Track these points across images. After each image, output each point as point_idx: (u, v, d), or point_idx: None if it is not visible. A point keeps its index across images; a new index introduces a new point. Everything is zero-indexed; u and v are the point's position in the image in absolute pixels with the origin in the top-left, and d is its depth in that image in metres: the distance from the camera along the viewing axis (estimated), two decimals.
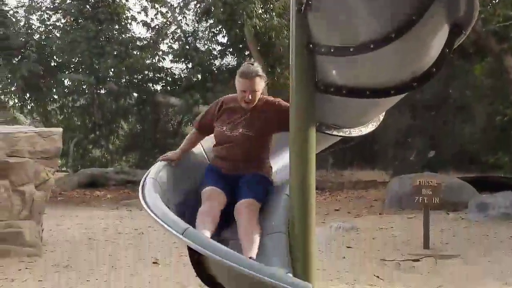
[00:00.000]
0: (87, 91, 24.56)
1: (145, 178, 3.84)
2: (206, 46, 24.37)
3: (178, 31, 24.95)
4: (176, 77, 24.99)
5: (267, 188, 4.07)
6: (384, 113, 4.27)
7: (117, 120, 25.99)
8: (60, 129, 10.60)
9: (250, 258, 3.51)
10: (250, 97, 3.96)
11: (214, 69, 24.36)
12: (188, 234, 3.29)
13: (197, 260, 3.47)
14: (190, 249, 3.40)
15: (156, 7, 24.54)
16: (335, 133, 3.93)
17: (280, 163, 4.46)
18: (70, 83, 23.88)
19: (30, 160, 9.62)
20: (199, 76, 23.63)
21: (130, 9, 24.47)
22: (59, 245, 10.69)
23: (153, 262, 9.14)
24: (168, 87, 25.07)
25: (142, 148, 25.63)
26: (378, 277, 7.90)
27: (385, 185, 18.77)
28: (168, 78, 25.07)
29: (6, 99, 24.14)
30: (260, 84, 3.99)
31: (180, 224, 3.38)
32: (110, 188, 22.02)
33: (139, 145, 25.98)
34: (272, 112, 4.02)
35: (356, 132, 4.07)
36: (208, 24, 24.19)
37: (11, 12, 22.95)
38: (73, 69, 23.91)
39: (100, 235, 12.12)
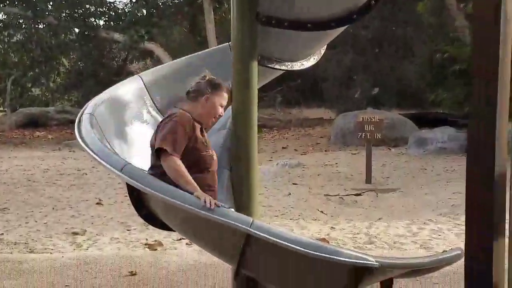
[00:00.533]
0: (24, 26, 23.58)
1: (82, 114, 3.69)
2: None
3: None
4: (120, 11, 24.25)
5: None
6: (325, 47, 4.22)
7: (58, 57, 25.13)
8: None
9: None
10: (221, 113, 3.53)
11: (160, 3, 23.72)
12: (126, 171, 3.21)
13: (137, 197, 3.41)
14: (128, 186, 3.33)
15: None
16: (277, 66, 3.87)
17: None
18: (5, 17, 22.86)
19: None
20: (144, 11, 22.99)
21: None
22: None
23: (97, 203, 9.04)
24: (112, 22, 24.28)
25: (85, 86, 24.93)
26: (322, 212, 8.05)
27: (331, 123, 19.00)
28: (111, 12, 24.30)
29: None
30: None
31: (118, 160, 3.28)
32: (52, 128, 21.52)
33: (82, 83, 25.28)
34: None
35: (298, 66, 4.02)
36: None
37: None
38: (8, 2, 22.83)
39: (41, 176, 11.89)
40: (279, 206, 8.45)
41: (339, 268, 3.06)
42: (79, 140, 3.51)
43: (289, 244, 2.98)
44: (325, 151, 15.26)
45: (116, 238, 6.79)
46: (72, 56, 26.12)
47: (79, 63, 26.43)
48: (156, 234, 6.85)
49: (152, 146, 3.39)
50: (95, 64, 25.33)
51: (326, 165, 12.69)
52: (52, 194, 9.82)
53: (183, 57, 4.47)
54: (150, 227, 7.06)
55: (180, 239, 6.57)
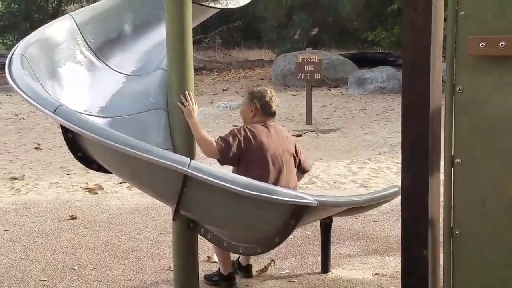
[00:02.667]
0: None
1: (12, 55, 3.56)
2: None
3: None
4: None
5: None
6: None
7: None
8: None
9: None
10: None
11: None
12: (60, 112, 3.14)
13: (72, 139, 3.34)
14: (63, 128, 3.26)
15: None
16: (211, 4, 3.81)
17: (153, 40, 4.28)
18: None
19: None
20: None
21: None
22: None
23: (35, 148, 8.87)
24: None
25: (19, 29, 23.98)
26: None
27: (271, 64, 18.98)
28: None
29: None
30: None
31: (52, 102, 3.20)
32: None
33: (17, 26, 24.31)
34: None
35: (233, 3, 3.97)
36: None
37: None
38: None
39: None
40: None
41: (278, 208, 3.11)
42: (10, 81, 3.41)
43: (226, 184, 3.00)
44: None
45: (55, 183, 6.71)
46: None
47: (13, 5, 25.34)
48: (97, 178, 6.80)
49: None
50: (29, 6, 24.35)
51: None
52: None
53: None
54: (90, 171, 7.00)
55: (121, 182, 6.55)
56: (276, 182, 3.44)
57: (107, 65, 4.02)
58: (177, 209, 3.14)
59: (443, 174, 2.14)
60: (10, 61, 3.54)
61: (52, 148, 8.84)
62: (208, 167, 3.16)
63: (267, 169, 3.46)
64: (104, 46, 4.07)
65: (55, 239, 4.67)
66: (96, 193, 6.21)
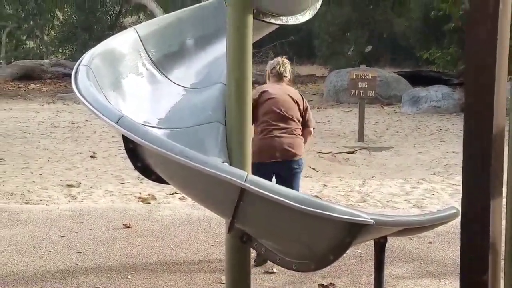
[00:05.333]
0: None
1: (78, 65, 3.66)
2: None
3: None
4: None
5: None
6: (320, 2, 4.19)
7: (52, 10, 24.82)
8: None
9: None
10: None
11: None
12: (122, 123, 3.21)
13: (132, 150, 3.42)
14: (124, 138, 3.34)
15: None
16: (272, 21, 3.83)
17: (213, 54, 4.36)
18: None
19: None
20: None
21: None
22: None
23: (91, 156, 9.06)
24: None
25: (79, 40, 24.73)
26: (314, 169, 8.09)
27: (324, 80, 18.93)
28: None
29: None
30: None
31: (114, 112, 3.27)
32: (46, 81, 21.37)
33: (76, 37, 25.06)
34: None
35: (293, 20, 3.99)
36: None
37: None
38: None
39: (35, 128, 11.88)
40: None
41: (334, 225, 3.09)
42: (76, 91, 3.50)
43: (283, 199, 3.00)
44: (317, 108, 15.25)
45: (110, 191, 6.85)
46: (66, 9, 25.75)
47: (73, 16, 26.12)
48: (150, 188, 6.91)
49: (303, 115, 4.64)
50: (88, 18, 25.03)
51: (318, 122, 12.71)
52: (47, 146, 9.83)
53: (177, 11, 4.44)
54: (144, 181, 7.20)
55: (173, 193, 6.63)
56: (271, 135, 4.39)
57: (167, 77, 4.10)
58: (232, 222, 3.16)
59: (505, 198, 2.09)
60: (76, 72, 3.64)
61: (107, 157, 9.02)
62: (265, 181, 3.17)
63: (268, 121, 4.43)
64: (165, 59, 4.16)
65: (109, 247, 4.77)
66: (149, 203, 6.31)
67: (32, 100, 17.30)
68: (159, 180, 3.56)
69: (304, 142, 4.61)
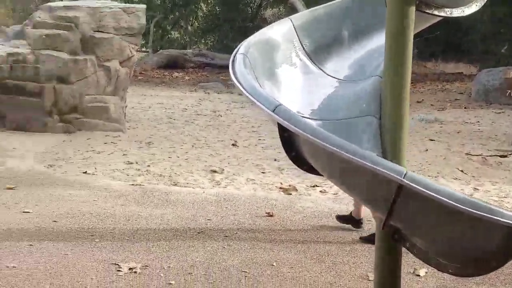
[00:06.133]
0: None
1: (235, 54, 3.73)
2: None
3: None
4: None
5: None
6: None
7: (197, 1, 25.77)
8: (144, 6, 10.55)
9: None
10: None
11: None
12: (279, 111, 3.21)
13: (287, 138, 3.42)
14: (279, 127, 3.34)
15: None
16: (435, 12, 3.66)
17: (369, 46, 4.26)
18: None
19: (116, 36, 9.73)
20: None
21: None
22: (141, 122, 10.99)
23: (232, 144, 9.28)
24: None
25: (221, 31, 25.49)
26: (462, 171, 7.71)
27: (472, 78, 18.04)
28: None
29: None
30: None
31: (271, 100, 3.29)
32: (188, 70, 22.23)
33: (218, 28, 25.83)
34: None
35: (458, 12, 3.77)
36: None
37: None
38: None
39: (179, 115, 12.38)
40: (415, 161, 8.19)
41: (495, 229, 2.90)
42: (234, 79, 3.56)
43: (444, 199, 2.86)
44: (465, 108, 14.53)
45: (252, 179, 6.95)
46: (209, 1, 26.63)
47: (216, 8, 26.93)
48: (290, 179, 6.94)
49: None
50: (231, 10, 25.68)
51: (466, 122, 12.13)
52: (191, 133, 10.20)
53: (332, 1, 4.39)
54: (284, 171, 7.25)
55: (314, 185, 6.61)
56: None
57: (321, 69, 4.07)
58: (387, 219, 3.07)
59: None
60: (233, 60, 3.71)
61: (247, 146, 9.18)
62: (424, 178, 3.03)
63: None
64: (319, 50, 4.13)
65: (253, 233, 4.84)
66: (290, 194, 6.32)
67: (176, 88, 18.06)
68: (311, 170, 3.53)
69: None
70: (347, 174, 3.23)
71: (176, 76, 20.95)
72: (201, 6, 26.63)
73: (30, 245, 4.33)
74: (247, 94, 3.38)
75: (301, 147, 3.40)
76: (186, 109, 13.39)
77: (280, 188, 6.56)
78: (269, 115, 3.27)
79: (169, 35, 26.93)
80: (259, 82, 3.67)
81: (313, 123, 3.60)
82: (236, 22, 25.45)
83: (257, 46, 3.92)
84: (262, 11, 27.17)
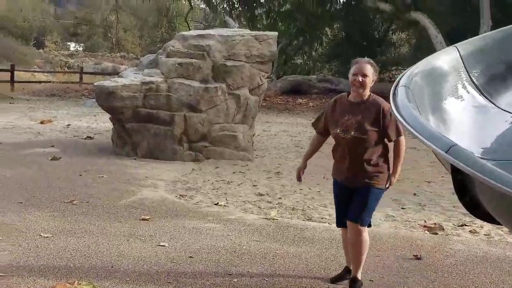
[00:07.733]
0: None
1: (396, 86, 3.39)
2: None
3: None
4: None
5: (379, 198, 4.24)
6: None
7: (322, 26, 25.63)
8: (275, 33, 10.39)
9: (354, 278, 4.10)
10: (360, 80, 3.98)
11: None
12: (454, 152, 2.82)
13: (460, 182, 3.01)
14: (453, 168, 2.94)
15: None
16: None
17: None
18: None
19: (246, 64, 9.66)
20: None
21: None
22: (268, 151, 10.84)
23: None
24: None
25: (345, 56, 25.12)
26: None
27: None
28: None
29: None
30: (370, 71, 4.02)
31: (444, 139, 2.90)
32: (312, 96, 22.05)
33: (343, 52, 25.50)
34: (374, 112, 4.03)
35: None
36: None
37: None
38: None
39: (306, 143, 12.09)
40: None
41: None
42: (396, 114, 3.20)
43: None
44: None
45: (391, 216, 6.50)
46: (335, 26, 26.39)
47: (342, 32, 26.61)
48: (434, 216, 6.42)
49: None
50: (357, 34, 25.27)
51: None
52: (319, 163, 9.83)
53: (503, 28, 3.93)
54: (426, 207, 6.71)
55: (462, 225, 6.06)
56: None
57: (492, 102, 3.64)
58: None
59: None
60: (394, 94, 3.37)
61: None
62: None
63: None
64: (488, 81, 3.70)
65: (402, 279, 4.41)
66: (436, 233, 5.81)
67: (299, 115, 17.90)
68: (488, 218, 3.11)
69: None
70: None
71: (300, 103, 20.82)
72: (326, 31, 26.44)
73: (169, 282, 4.17)
74: (412, 130, 3.01)
75: (477, 192, 2.98)
76: (311, 136, 13.13)
77: (424, 226, 6.06)
78: (442, 155, 2.89)
79: (292, 61, 26.94)
80: (424, 116, 3.32)
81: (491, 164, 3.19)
82: (362, 46, 25.02)
83: (420, 76, 3.55)
84: (390, 35, 26.58)
